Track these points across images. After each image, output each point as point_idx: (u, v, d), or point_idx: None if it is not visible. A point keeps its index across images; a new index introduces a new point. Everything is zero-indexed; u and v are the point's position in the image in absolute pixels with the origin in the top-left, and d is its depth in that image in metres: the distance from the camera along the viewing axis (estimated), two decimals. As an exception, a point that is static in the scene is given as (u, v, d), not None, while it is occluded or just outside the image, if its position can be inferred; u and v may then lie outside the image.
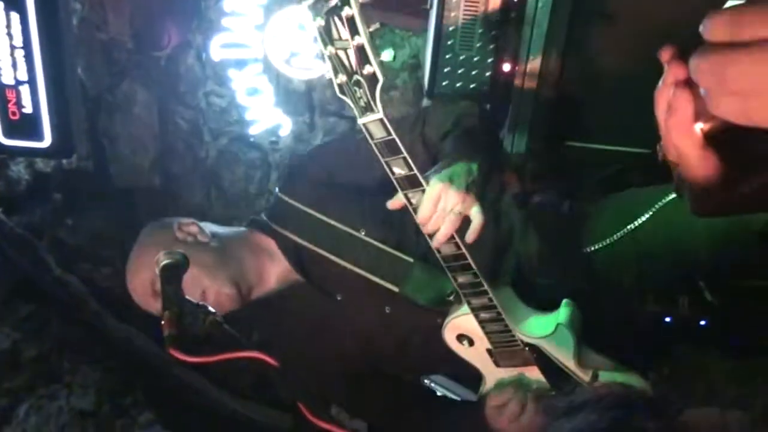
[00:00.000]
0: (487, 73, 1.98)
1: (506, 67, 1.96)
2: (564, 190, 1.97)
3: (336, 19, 1.14)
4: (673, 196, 1.70)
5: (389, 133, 1.27)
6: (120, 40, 2.89)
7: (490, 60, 1.96)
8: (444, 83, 2.00)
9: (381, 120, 1.25)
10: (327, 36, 1.17)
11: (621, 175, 1.99)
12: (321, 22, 1.16)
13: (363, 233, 1.65)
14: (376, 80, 1.19)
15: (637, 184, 1.85)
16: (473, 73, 1.98)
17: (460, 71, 1.98)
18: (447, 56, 1.96)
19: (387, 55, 1.25)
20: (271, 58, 2.64)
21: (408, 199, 1.36)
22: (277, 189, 1.78)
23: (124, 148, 3.08)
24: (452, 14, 1.88)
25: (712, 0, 1.72)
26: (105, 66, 2.95)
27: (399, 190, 1.35)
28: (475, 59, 1.97)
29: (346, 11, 1.13)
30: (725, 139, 0.59)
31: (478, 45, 1.95)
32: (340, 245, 1.66)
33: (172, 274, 1.45)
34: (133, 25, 2.82)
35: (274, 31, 2.60)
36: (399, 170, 1.32)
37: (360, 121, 1.27)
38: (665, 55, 0.59)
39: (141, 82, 3.00)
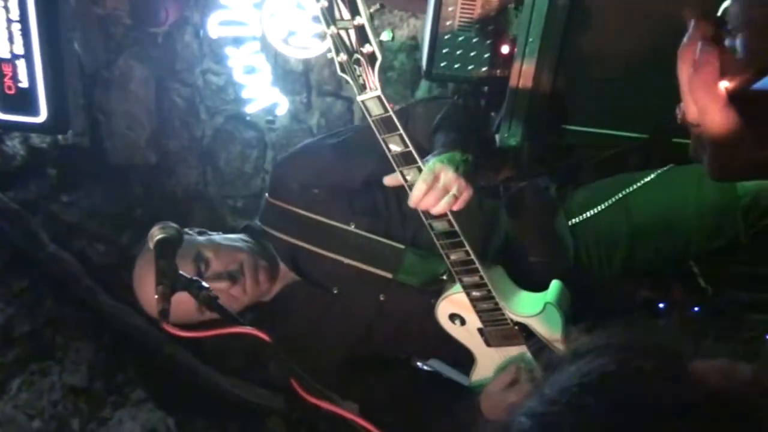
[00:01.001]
0: (486, 55, 1.97)
1: (505, 49, 1.95)
2: (558, 174, 1.98)
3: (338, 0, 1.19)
4: (665, 169, 1.72)
5: (386, 111, 1.31)
6: (117, 15, 2.87)
7: (488, 42, 1.96)
8: (442, 64, 1.99)
9: (379, 97, 1.30)
10: (329, 16, 1.21)
11: (617, 159, 1.99)
12: (324, 2, 1.20)
13: (353, 226, 1.69)
14: (375, 59, 1.26)
15: (631, 169, 1.86)
16: (471, 54, 1.97)
17: (458, 52, 1.98)
18: (445, 37, 1.95)
19: (386, 35, 1.28)
20: (268, 36, 2.63)
21: (403, 176, 1.39)
22: (266, 195, 1.83)
23: (120, 124, 3.07)
24: (452, -3, 1.88)
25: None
26: (102, 41, 2.94)
27: (395, 166, 1.38)
28: (474, 40, 1.96)
29: None
30: (749, 98, 0.59)
31: (477, 26, 1.94)
32: (332, 240, 1.70)
33: (166, 249, 1.46)
34: (131, 1, 2.80)
35: (272, 10, 2.58)
36: (395, 147, 1.36)
37: (359, 98, 1.31)
38: (691, 12, 0.58)
39: (138, 58, 2.98)
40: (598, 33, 1.81)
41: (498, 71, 1.97)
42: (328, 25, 1.23)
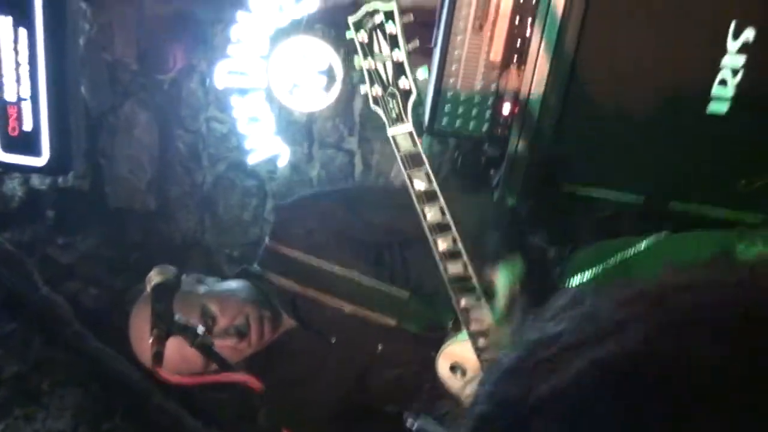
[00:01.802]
0: (487, 114, 2.00)
1: (506, 109, 1.98)
2: (556, 234, 1.99)
3: (378, 34, 1.23)
4: (661, 237, 1.73)
5: (416, 146, 1.34)
6: (125, 61, 2.91)
7: (490, 100, 1.98)
8: (444, 121, 2.01)
9: (410, 133, 1.32)
10: (368, 49, 1.25)
11: (614, 221, 2.00)
12: (364, 36, 1.24)
13: (357, 273, 1.69)
14: (410, 94, 1.28)
15: (627, 232, 1.87)
16: (473, 112, 2.00)
17: (460, 110, 2.00)
18: (448, 94, 1.98)
19: (422, 72, 1.33)
20: (273, 88, 2.67)
21: (424, 214, 1.40)
22: (267, 239, 1.83)
23: (121, 168, 3.08)
24: (456, 53, 1.91)
25: (710, 59, 1.75)
26: (109, 86, 2.97)
27: (416, 204, 1.40)
28: (476, 99, 1.99)
29: (389, 28, 1.22)
30: None
31: (479, 85, 1.97)
32: (335, 287, 1.70)
33: (163, 293, 1.45)
34: (140, 48, 2.84)
35: (279, 62, 2.63)
36: (419, 183, 1.38)
37: (390, 132, 1.34)
38: None
39: (143, 103, 3.01)
40: (600, 96, 1.84)
41: (499, 130, 2.00)
42: (365, 58, 1.27)
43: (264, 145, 2.81)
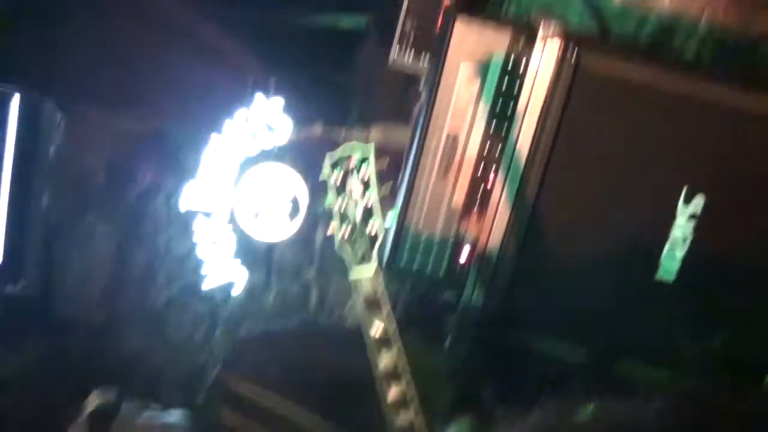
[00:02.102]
0: (445, 260, 2.03)
1: (463, 257, 2.01)
2: (504, 389, 1.99)
3: (353, 175, 1.26)
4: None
5: (376, 291, 1.34)
6: (93, 174, 2.92)
7: (450, 243, 2.02)
8: (402, 261, 2.03)
9: (374, 276, 1.32)
10: (341, 189, 1.28)
11: (562, 377, 2.01)
12: (338, 176, 1.27)
13: (305, 410, 1.66)
14: (376, 239, 1.29)
15: (575, 390, 1.87)
16: (432, 255, 2.03)
17: (419, 252, 2.03)
18: (409, 235, 2.01)
19: (390, 217, 1.37)
20: (237, 214, 2.69)
21: (378, 361, 1.39)
22: (217, 369, 1.80)
23: (73, 281, 3.02)
24: (419, 197, 1.96)
25: (661, 223, 1.83)
26: (72, 198, 2.96)
27: (371, 349, 1.38)
28: (436, 242, 2.02)
29: (363, 171, 1.26)
30: None
31: (440, 229, 2.01)
32: (279, 424, 1.66)
33: (101, 419, 1.40)
34: (109, 162, 2.87)
35: (245, 188, 2.66)
36: (376, 328, 1.36)
37: (352, 275, 1.34)
38: None
39: (105, 217, 3.00)
40: (555, 250, 1.90)
41: (455, 275, 2.02)
42: (337, 197, 1.30)
43: (221, 271, 2.79)
